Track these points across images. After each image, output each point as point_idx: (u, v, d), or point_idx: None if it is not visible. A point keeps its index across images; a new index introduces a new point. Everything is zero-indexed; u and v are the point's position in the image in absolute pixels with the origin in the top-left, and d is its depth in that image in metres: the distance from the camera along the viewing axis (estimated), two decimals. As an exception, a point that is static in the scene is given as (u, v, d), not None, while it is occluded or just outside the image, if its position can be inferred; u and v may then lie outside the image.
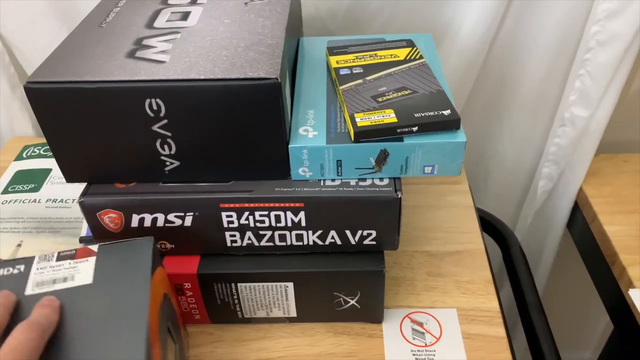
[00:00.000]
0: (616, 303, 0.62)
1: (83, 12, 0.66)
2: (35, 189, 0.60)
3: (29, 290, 0.38)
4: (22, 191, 0.60)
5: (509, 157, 0.76)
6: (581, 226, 0.72)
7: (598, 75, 0.62)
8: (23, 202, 0.58)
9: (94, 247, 0.41)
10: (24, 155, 0.66)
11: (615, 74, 0.61)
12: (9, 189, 0.60)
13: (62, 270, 0.39)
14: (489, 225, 0.71)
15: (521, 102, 0.71)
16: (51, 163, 0.64)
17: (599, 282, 0.68)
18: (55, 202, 0.58)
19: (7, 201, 0.58)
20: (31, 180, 0.61)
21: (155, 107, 0.39)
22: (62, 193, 0.59)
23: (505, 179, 0.79)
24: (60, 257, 0.40)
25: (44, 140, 0.70)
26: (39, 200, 0.58)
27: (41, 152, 0.66)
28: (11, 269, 0.39)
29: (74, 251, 0.40)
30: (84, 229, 0.55)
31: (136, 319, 0.36)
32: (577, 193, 0.72)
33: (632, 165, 0.75)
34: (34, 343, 0.32)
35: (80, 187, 0.61)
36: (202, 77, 0.38)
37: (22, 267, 0.39)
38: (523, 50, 0.67)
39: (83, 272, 0.39)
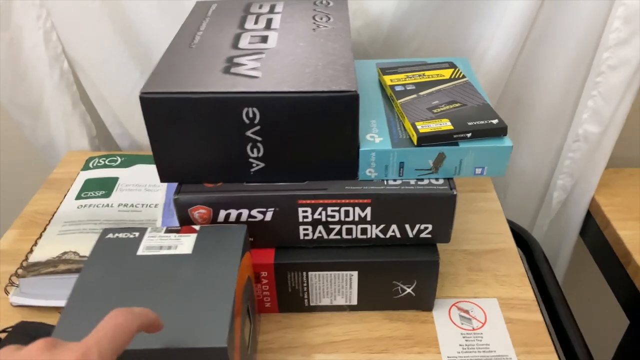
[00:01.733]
0: (631, 300, 0.68)
1: (145, 35, 0.73)
2: (106, 195, 0.66)
3: (140, 252, 0.45)
4: (94, 197, 0.65)
5: (526, 170, 0.84)
6: (595, 232, 0.78)
7: (609, 96, 0.70)
8: (97, 206, 0.64)
9: (197, 227, 0.47)
10: (91, 165, 0.71)
11: (625, 95, 0.69)
12: (82, 195, 0.66)
13: (168, 240, 0.46)
14: (513, 232, 0.77)
15: (538, 119, 0.79)
16: (117, 172, 0.70)
17: (613, 283, 0.75)
18: (126, 206, 0.64)
19: (82, 206, 0.64)
20: (101, 187, 0.67)
21: (251, 115, 0.45)
22: (132, 199, 0.65)
23: (523, 190, 0.86)
24: (168, 230, 0.47)
25: (101, 153, 0.76)
26: (112, 205, 0.64)
27: (106, 162, 0.72)
28: (128, 234, 0.47)
29: (180, 227, 0.47)
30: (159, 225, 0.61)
31: (225, 289, 0.42)
32: (589, 202, 0.79)
33: (636, 178, 0.83)
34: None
35: (148, 193, 0.67)
36: (293, 90, 0.45)
37: (137, 234, 0.47)
38: (541, 72, 0.75)
39: (185, 244, 0.46)
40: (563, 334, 0.64)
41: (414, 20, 0.70)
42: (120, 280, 0.43)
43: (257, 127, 0.46)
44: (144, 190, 0.66)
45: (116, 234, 0.47)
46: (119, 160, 0.72)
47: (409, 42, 0.73)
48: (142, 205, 0.64)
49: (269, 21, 0.56)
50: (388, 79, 0.57)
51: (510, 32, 0.68)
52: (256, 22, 0.56)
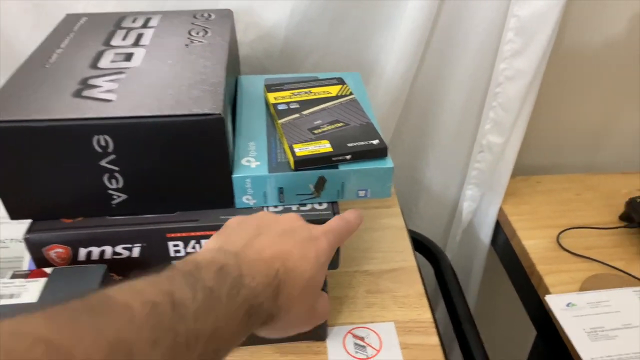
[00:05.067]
0: (536, 310, 0.68)
1: (18, 51, 0.67)
2: (-29, 230, 0.59)
3: None
4: (-44, 232, 0.58)
5: (435, 181, 0.83)
6: (503, 242, 0.78)
7: (508, 106, 0.70)
8: (-41, 243, 0.57)
9: (49, 270, 0.42)
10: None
11: (523, 105, 0.69)
12: (-57, 231, 0.59)
13: (12, 287, 0.41)
14: (421, 244, 0.76)
15: (444, 131, 0.78)
16: (-13, 203, 0.63)
17: (521, 293, 0.74)
18: (-8, 242, 0.57)
19: (-59, 243, 0.57)
20: (-34, 221, 0.60)
21: (103, 143, 0.41)
22: None
23: (434, 201, 0.85)
24: (15, 276, 0.42)
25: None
26: (-24, 240, 0.58)
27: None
28: None
29: (29, 271, 0.42)
30: (26, 265, 0.55)
31: None
32: (498, 212, 0.79)
33: (545, 185, 0.83)
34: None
35: (19, 226, 0.61)
36: (149, 114, 0.41)
37: None
38: (442, 84, 0.74)
39: (31, 290, 0.41)
40: (467, 350, 0.63)
41: (310, 34, 0.67)
42: None
43: (112, 156, 0.42)
44: (15, 222, 0.60)
45: (-49, 283, 0.41)
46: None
47: (307, 56, 0.70)
48: (10, 240, 0.58)
49: (139, 37, 0.52)
50: (272, 97, 0.54)
51: (406, 44, 0.67)
52: (124, 38, 0.52)
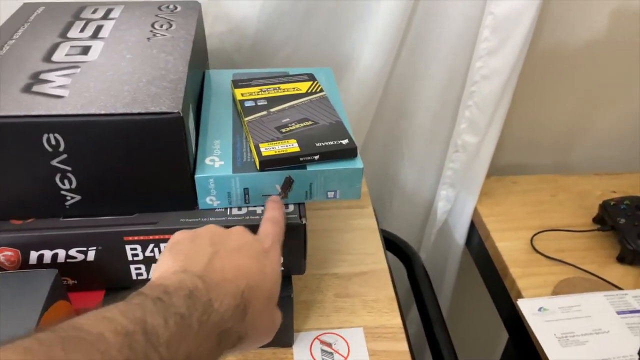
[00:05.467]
0: (509, 313, 0.67)
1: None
2: None
3: None
4: None
5: (410, 180, 0.81)
6: (477, 243, 0.77)
7: (484, 105, 0.68)
8: None
9: (-6, 275, 0.39)
10: None
11: (499, 105, 0.68)
12: None
13: None
14: (394, 245, 0.75)
15: (419, 130, 0.77)
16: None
17: (494, 295, 0.74)
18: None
19: None
20: None
21: (53, 142, 0.38)
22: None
23: (408, 201, 0.84)
24: None
25: None
26: None
27: None
28: None
29: None
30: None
31: None
32: (472, 213, 0.78)
33: (520, 185, 0.83)
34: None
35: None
36: (102, 112, 0.38)
37: None
38: (417, 81, 0.73)
39: None
40: (437, 351, 0.62)
41: (281, 27, 0.65)
42: None
43: (64, 156, 0.39)
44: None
45: None
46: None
47: (279, 50, 0.68)
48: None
49: (98, 29, 0.49)
50: (239, 93, 0.52)
51: (381, 40, 0.65)
52: (82, 30, 0.49)
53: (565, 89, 0.79)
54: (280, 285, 0.39)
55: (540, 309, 0.60)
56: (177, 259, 0.35)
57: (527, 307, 0.60)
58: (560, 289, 0.64)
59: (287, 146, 0.45)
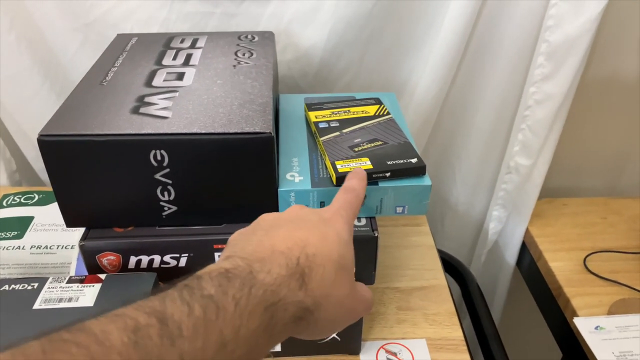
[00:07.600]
0: (563, 332, 0.68)
1: (66, 68, 0.70)
2: (18, 236, 0.61)
3: (37, 305, 0.42)
4: (4, 238, 0.61)
5: (461, 201, 0.84)
6: (529, 264, 0.79)
7: (537, 129, 0.71)
8: (6, 249, 0.60)
9: (102, 276, 0.44)
10: (4, 204, 0.67)
11: (552, 129, 0.71)
12: (-8, 237, 0.61)
13: (70, 292, 0.43)
14: (448, 264, 0.77)
15: (471, 151, 0.79)
16: (33, 211, 0.65)
17: (547, 314, 0.75)
18: (39, 248, 0.60)
19: (-10, 249, 0.59)
20: (13, 227, 0.62)
21: (159, 158, 0.43)
22: (46, 240, 0.61)
23: (459, 221, 0.86)
24: (71, 280, 0.44)
25: (20, 189, 0.72)
26: (23, 247, 0.60)
27: (21, 200, 0.67)
28: (26, 285, 0.44)
29: (84, 276, 0.44)
30: (72, 271, 0.57)
31: None
32: (524, 234, 0.80)
33: (570, 207, 0.84)
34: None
35: (65, 233, 0.63)
36: (203, 131, 0.43)
37: (35, 285, 0.44)
38: (472, 106, 0.76)
39: (88, 295, 0.43)
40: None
41: (344, 55, 0.70)
42: (12, 337, 0.39)
43: (167, 170, 0.44)
44: (60, 230, 0.62)
45: (12, 286, 0.44)
46: (36, 197, 0.67)
47: (341, 76, 0.72)
48: (58, 246, 0.60)
49: (188, 57, 0.55)
50: (313, 115, 0.56)
51: (439, 66, 0.69)
52: (174, 58, 0.54)
53: (616, 114, 0.81)
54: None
55: (597, 328, 0.61)
56: (226, 250, 0.34)
57: (583, 325, 0.62)
58: (615, 309, 0.65)
59: (360, 164, 0.48)
